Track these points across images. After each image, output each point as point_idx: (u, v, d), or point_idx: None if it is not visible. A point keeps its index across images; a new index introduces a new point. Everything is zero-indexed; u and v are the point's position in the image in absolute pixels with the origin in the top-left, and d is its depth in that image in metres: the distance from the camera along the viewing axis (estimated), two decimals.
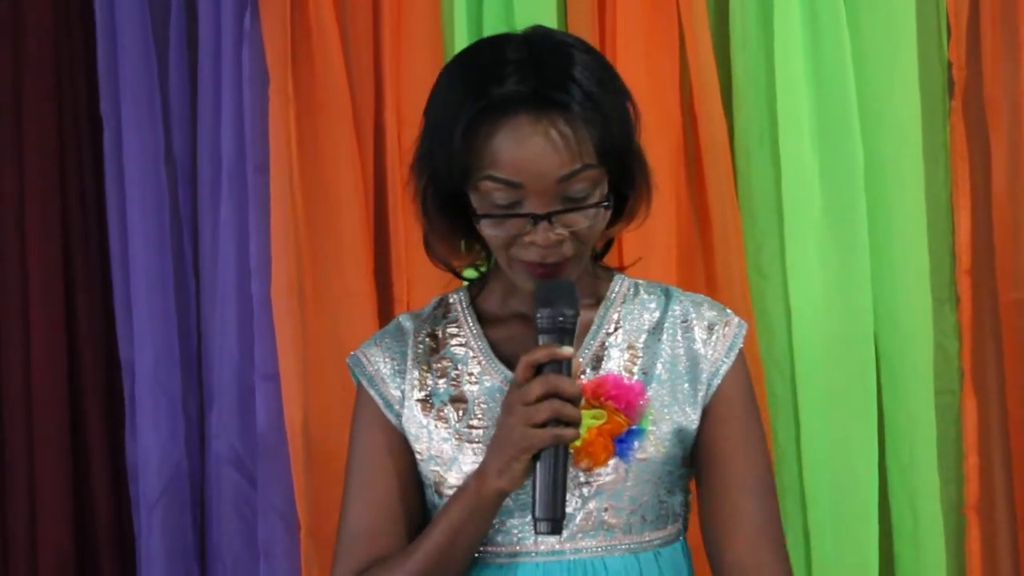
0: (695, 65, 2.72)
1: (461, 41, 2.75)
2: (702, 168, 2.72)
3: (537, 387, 1.85)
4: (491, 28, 2.73)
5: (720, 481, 2.02)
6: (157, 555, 2.86)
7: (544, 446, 1.84)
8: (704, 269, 2.73)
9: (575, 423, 1.86)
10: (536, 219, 1.90)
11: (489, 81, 1.89)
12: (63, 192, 2.90)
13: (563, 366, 1.86)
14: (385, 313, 2.80)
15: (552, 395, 1.84)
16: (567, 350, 1.86)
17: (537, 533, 1.86)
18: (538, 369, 1.86)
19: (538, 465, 1.85)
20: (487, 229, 1.94)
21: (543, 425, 1.84)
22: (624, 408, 1.93)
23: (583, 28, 2.70)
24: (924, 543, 2.68)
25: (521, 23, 2.65)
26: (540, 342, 1.87)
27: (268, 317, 2.78)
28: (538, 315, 1.88)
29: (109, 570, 2.92)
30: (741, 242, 2.72)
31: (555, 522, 1.84)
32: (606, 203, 1.93)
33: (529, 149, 1.88)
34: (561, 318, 1.87)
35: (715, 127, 2.71)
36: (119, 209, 2.88)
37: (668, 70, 2.72)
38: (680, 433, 2.01)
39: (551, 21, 2.70)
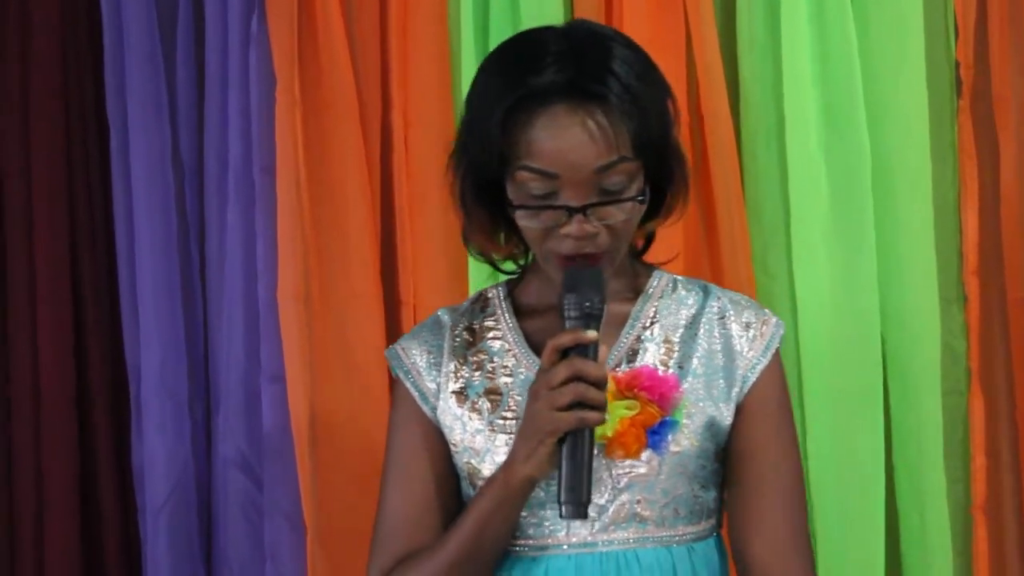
0: (702, 65, 2.72)
1: (468, 42, 2.75)
2: (708, 168, 2.72)
3: (562, 371, 1.86)
4: (497, 28, 2.74)
5: (749, 480, 2.03)
6: (164, 558, 2.85)
7: (568, 429, 1.85)
8: (710, 268, 2.72)
9: (600, 407, 1.87)
10: (571, 211, 1.91)
11: (528, 71, 1.91)
12: (70, 191, 2.90)
13: (589, 351, 1.88)
14: (392, 315, 2.80)
15: (576, 378, 1.85)
16: (591, 334, 1.87)
17: (562, 517, 1.86)
18: (564, 354, 1.88)
19: (563, 449, 1.86)
20: (522, 220, 1.95)
21: (568, 408, 1.85)
22: (657, 400, 1.95)
23: None
24: (931, 543, 2.68)
25: (528, 23, 2.66)
26: (567, 328, 1.89)
27: (274, 319, 2.78)
28: (564, 301, 1.89)
29: (116, 574, 2.91)
30: (747, 242, 2.71)
31: (580, 505, 1.84)
32: (642, 197, 1.94)
33: (566, 140, 1.89)
34: (588, 304, 1.89)
35: (722, 127, 2.71)
36: (126, 209, 2.88)
37: (674, 69, 2.71)
38: (713, 427, 2.02)
39: (557, 21, 2.68)
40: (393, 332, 2.78)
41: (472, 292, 2.73)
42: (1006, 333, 2.68)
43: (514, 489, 1.94)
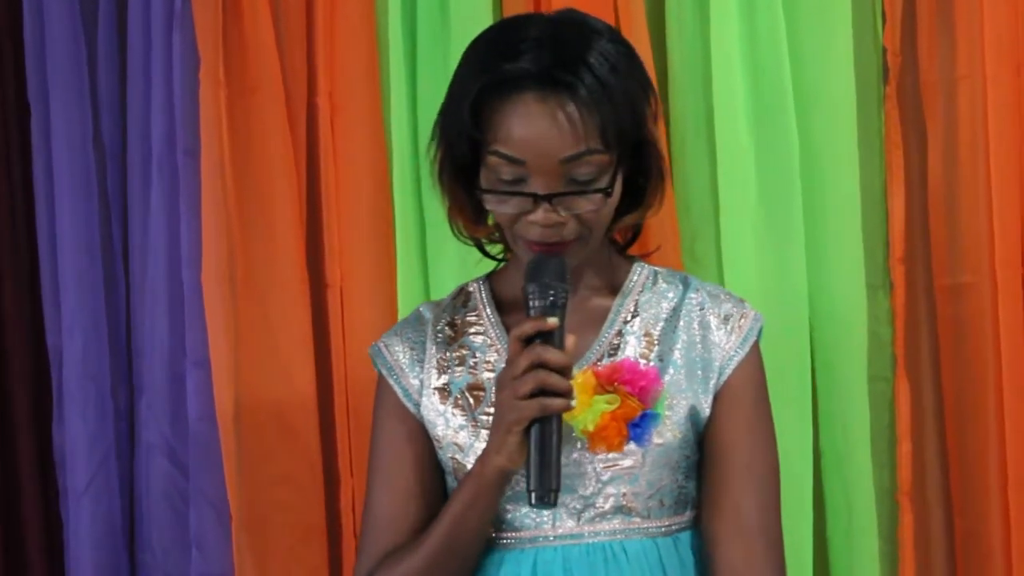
0: None
1: (395, 26, 2.73)
2: None
3: (523, 359, 1.88)
4: (424, 11, 2.72)
5: (720, 472, 2.04)
6: (85, 544, 2.84)
7: (532, 416, 1.87)
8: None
9: (564, 393, 1.87)
10: (537, 199, 1.91)
11: (503, 57, 1.92)
12: None
13: (554, 339, 1.88)
14: (317, 299, 2.78)
15: (538, 366, 1.86)
16: (552, 321, 1.89)
17: (531, 505, 1.87)
18: (528, 344, 1.89)
19: (530, 437, 1.87)
20: (491, 205, 1.97)
21: (531, 396, 1.86)
22: (638, 393, 1.95)
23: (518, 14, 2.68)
24: (857, 528, 2.69)
25: (455, 7, 2.66)
26: (531, 316, 1.90)
27: (199, 303, 2.75)
28: (527, 289, 1.91)
29: (36, 559, 2.89)
30: (676, 228, 2.71)
31: (549, 492, 1.85)
32: (608, 189, 1.94)
33: (534, 128, 1.90)
34: (552, 292, 1.90)
35: None
36: (47, 192, 2.84)
37: None
38: (694, 418, 2.03)
39: (487, 7, 2.68)
40: (319, 316, 2.77)
41: (400, 276, 2.73)
42: (932, 320, 2.70)
43: (489, 481, 1.95)
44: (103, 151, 2.86)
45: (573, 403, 1.90)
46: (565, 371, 1.89)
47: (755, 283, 2.67)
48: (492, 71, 1.92)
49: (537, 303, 1.91)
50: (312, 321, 2.76)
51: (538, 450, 1.87)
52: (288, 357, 2.75)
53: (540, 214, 1.93)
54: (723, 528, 2.02)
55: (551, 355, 1.88)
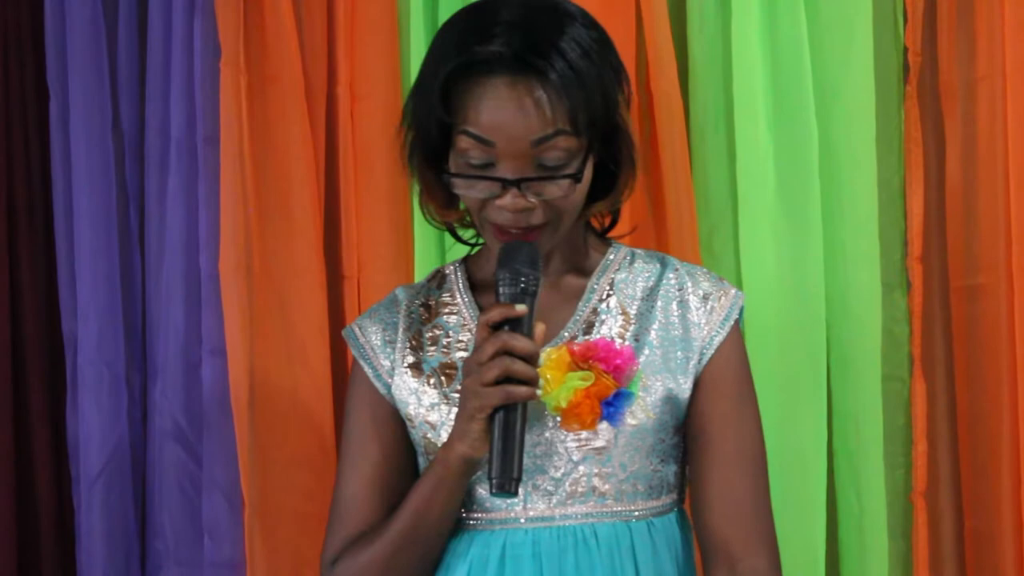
0: (652, 45, 2.71)
1: (416, 14, 2.74)
2: (657, 148, 2.71)
3: (489, 346, 1.87)
4: (446, 1, 2.71)
5: (709, 455, 2.02)
6: (97, 531, 2.83)
7: (496, 404, 1.86)
8: (657, 249, 2.71)
9: (529, 381, 1.86)
10: (506, 184, 1.90)
11: (475, 39, 1.91)
12: (8, 162, 2.86)
13: (522, 326, 1.87)
14: (334, 289, 2.78)
15: (504, 353, 1.85)
16: (520, 308, 1.88)
17: (492, 493, 1.86)
18: (496, 330, 1.88)
19: (494, 424, 1.85)
20: (460, 189, 1.96)
21: (496, 383, 1.85)
22: (612, 371, 1.94)
23: None
24: (869, 529, 2.69)
25: None
26: (500, 302, 1.89)
27: (216, 291, 2.75)
28: (498, 275, 1.90)
29: (49, 546, 2.89)
30: (695, 223, 2.71)
31: (510, 481, 1.84)
32: (578, 175, 1.93)
33: (504, 111, 1.89)
34: (523, 279, 1.89)
35: (671, 107, 2.71)
36: (65, 181, 2.84)
37: (625, 49, 2.68)
38: (671, 400, 2.02)
39: None
40: (336, 307, 2.77)
41: (418, 268, 2.73)
42: (947, 320, 2.69)
43: (452, 467, 1.94)
44: (122, 138, 2.86)
45: (538, 392, 1.89)
46: (532, 359, 1.87)
47: (772, 279, 2.68)
48: (463, 54, 1.91)
49: (507, 289, 1.90)
50: (328, 312, 2.76)
51: (501, 438, 1.85)
52: (304, 347, 2.75)
53: (508, 199, 1.92)
54: (717, 514, 2.01)
55: (518, 342, 1.87)
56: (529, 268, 1.90)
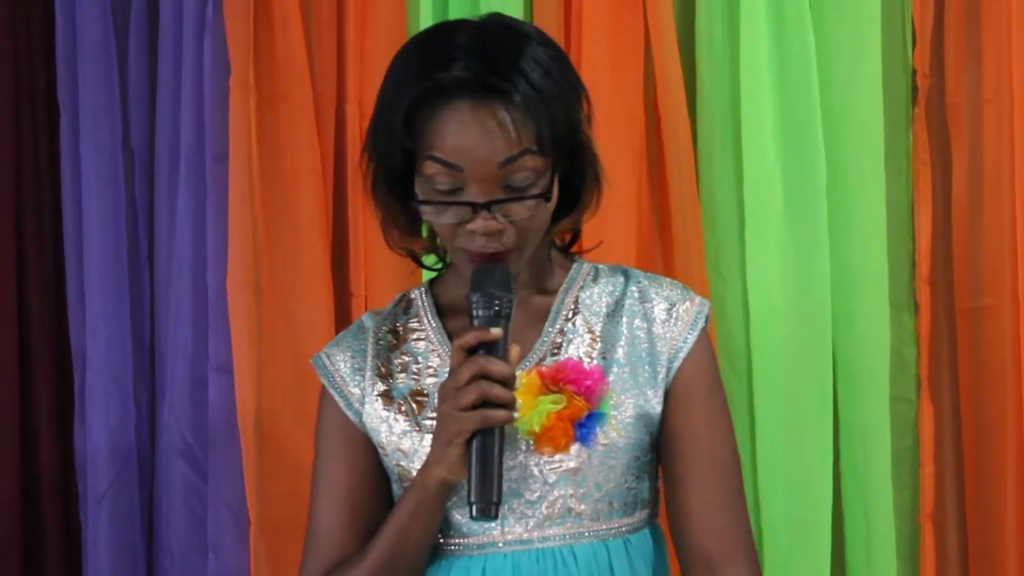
0: (660, 65, 2.71)
1: None
2: (664, 168, 2.72)
3: (466, 370, 1.85)
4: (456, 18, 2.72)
5: (683, 466, 2.01)
6: (104, 548, 2.84)
7: (474, 428, 1.84)
8: (663, 269, 2.72)
9: (507, 404, 1.85)
10: (476, 207, 1.90)
11: (435, 65, 1.89)
12: (18, 179, 2.87)
13: (498, 349, 1.86)
14: (341, 307, 2.79)
15: (481, 377, 1.84)
16: (496, 331, 1.87)
17: (472, 517, 1.84)
18: (471, 354, 1.87)
19: (472, 449, 1.84)
20: (429, 216, 1.94)
21: (473, 408, 1.84)
22: (583, 392, 1.93)
23: (549, 26, 2.68)
24: (876, 550, 2.69)
25: None
26: (474, 326, 1.88)
27: (223, 308, 2.76)
28: (471, 299, 1.89)
29: (55, 562, 2.89)
30: (701, 243, 2.72)
31: (490, 505, 1.83)
32: (546, 194, 1.93)
33: (470, 134, 1.88)
34: (496, 302, 1.88)
35: (679, 127, 2.71)
36: (74, 197, 2.85)
37: (633, 69, 2.72)
38: (644, 418, 2.00)
39: (519, 13, 2.68)
40: (343, 325, 2.76)
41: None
42: (954, 342, 2.70)
43: (430, 492, 1.92)
44: (131, 155, 2.87)
45: (516, 415, 1.87)
46: (508, 382, 1.86)
47: (779, 300, 2.68)
48: (424, 80, 1.89)
49: (481, 313, 1.88)
50: (335, 330, 2.76)
51: (479, 462, 1.84)
52: (310, 365, 2.75)
53: (479, 222, 1.90)
54: (695, 525, 1.99)
55: (494, 366, 1.85)
56: (503, 291, 1.89)
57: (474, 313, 1.89)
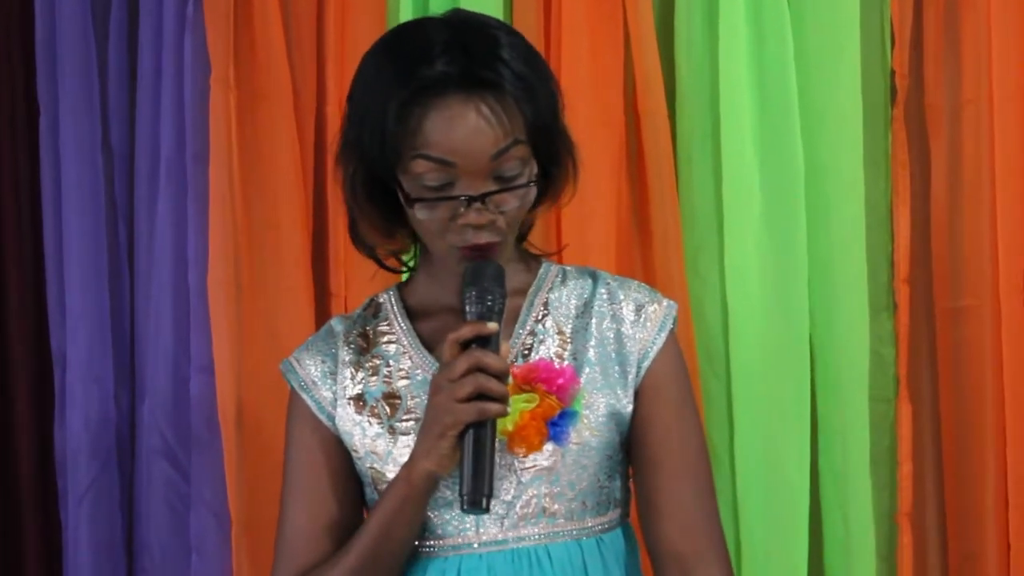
0: (639, 65, 2.72)
1: None
2: (644, 168, 2.73)
3: (462, 362, 1.86)
4: None
5: (654, 466, 2.02)
6: (84, 547, 2.84)
7: (469, 421, 1.85)
8: (643, 269, 2.73)
9: (502, 398, 1.86)
10: (471, 200, 1.90)
11: (417, 63, 1.90)
12: None
13: (491, 343, 1.87)
14: (322, 307, 2.79)
15: (477, 370, 1.85)
16: (492, 326, 1.88)
17: (463, 510, 1.85)
18: (466, 348, 1.87)
19: (465, 442, 1.85)
20: (420, 213, 1.94)
21: (468, 400, 1.85)
22: (556, 391, 1.94)
23: (528, 25, 2.69)
24: (855, 549, 2.69)
25: None
26: (468, 320, 1.89)
27: (204, 308, 2.76)
28: (465, 295, 1.90)
29: (35, 561, 2.89)
30: (680, 243, 2.72)
31: (481, 498, 1.83)
32: (535, 182, 1.94)
33: (461, 129, 1.89)
34: (490, 298, 1.89)
35: (658, 127, 2.72)
36: (54, 197, 2.85)
37: (613, 69, 2.72)
38: (615, 417, 2.01)
39: (499, 15, 2.68)
40: (323, 324, 2.76)
41: None
42: (933, 342, 2.70)
43: (416, 486, 1.93)
44: (111, 154, 2.87)
45: (509, 409, 1.88)
46: (503, 376, 1.87)
47: (758, 300, 2.68)
48: (410, 79, 1.89)
49: (475, 308, 1.89)
50: (315, 329, 2.76)
51: (473, 455, 1.84)
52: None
53: (473, 215, 1.91)
54: (667, 525, 2.00)
55: (490, 360, 1.86)
56: (496, 286, 1.90)
57: (468, 308, 1.90)
